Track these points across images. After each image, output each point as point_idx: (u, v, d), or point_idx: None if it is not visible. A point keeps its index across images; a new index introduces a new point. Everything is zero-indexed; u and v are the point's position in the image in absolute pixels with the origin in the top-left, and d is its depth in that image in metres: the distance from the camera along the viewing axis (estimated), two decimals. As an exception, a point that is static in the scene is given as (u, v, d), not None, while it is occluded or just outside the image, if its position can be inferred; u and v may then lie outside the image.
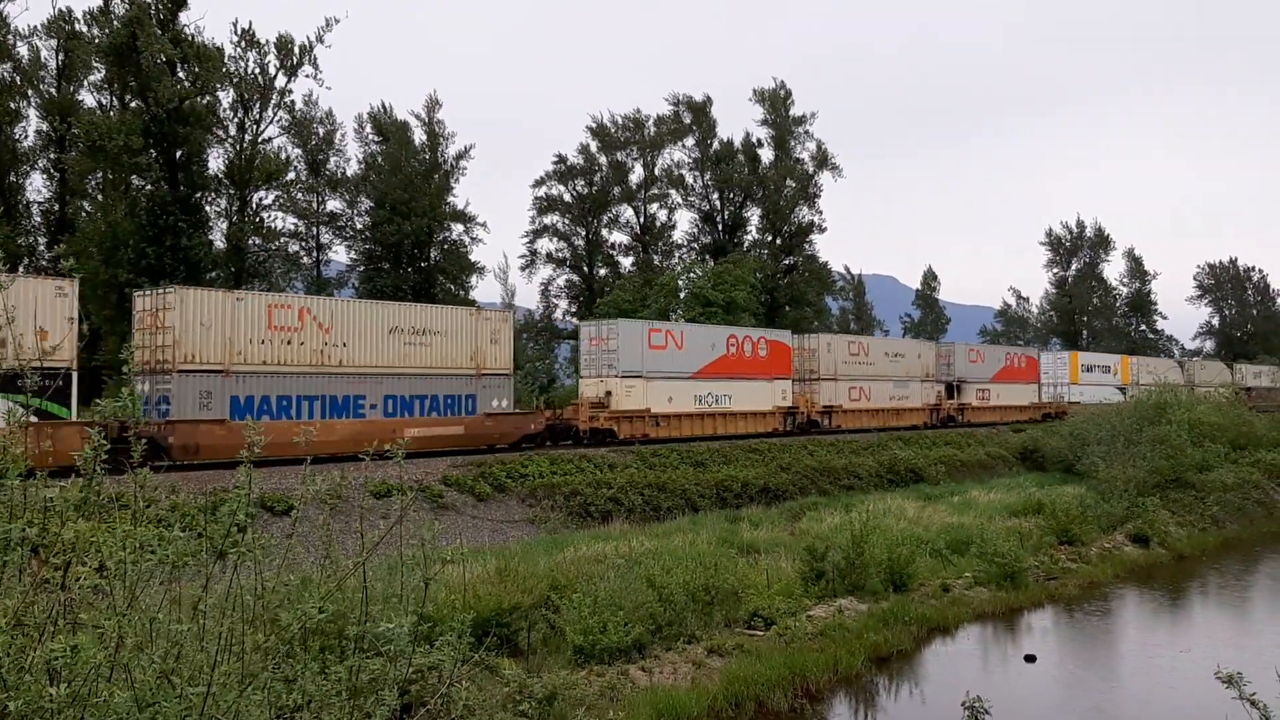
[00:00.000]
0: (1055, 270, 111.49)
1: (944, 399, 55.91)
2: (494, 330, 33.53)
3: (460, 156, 62.02)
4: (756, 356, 43.86)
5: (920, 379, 54.29)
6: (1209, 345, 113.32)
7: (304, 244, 59.31)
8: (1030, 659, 19.01)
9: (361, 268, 60.51)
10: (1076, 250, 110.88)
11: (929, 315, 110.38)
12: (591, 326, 40.47)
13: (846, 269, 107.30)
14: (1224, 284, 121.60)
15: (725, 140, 75.37)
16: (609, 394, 38.15)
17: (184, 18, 46.42)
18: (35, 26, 50.17)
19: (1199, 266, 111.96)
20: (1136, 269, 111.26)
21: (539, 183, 72.36)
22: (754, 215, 76.77)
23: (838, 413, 48.17)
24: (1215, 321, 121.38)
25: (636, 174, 74.83)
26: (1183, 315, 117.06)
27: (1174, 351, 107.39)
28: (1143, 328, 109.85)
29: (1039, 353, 69.56)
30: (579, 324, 42.43)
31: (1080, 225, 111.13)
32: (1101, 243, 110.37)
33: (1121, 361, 73.14)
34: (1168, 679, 18.41)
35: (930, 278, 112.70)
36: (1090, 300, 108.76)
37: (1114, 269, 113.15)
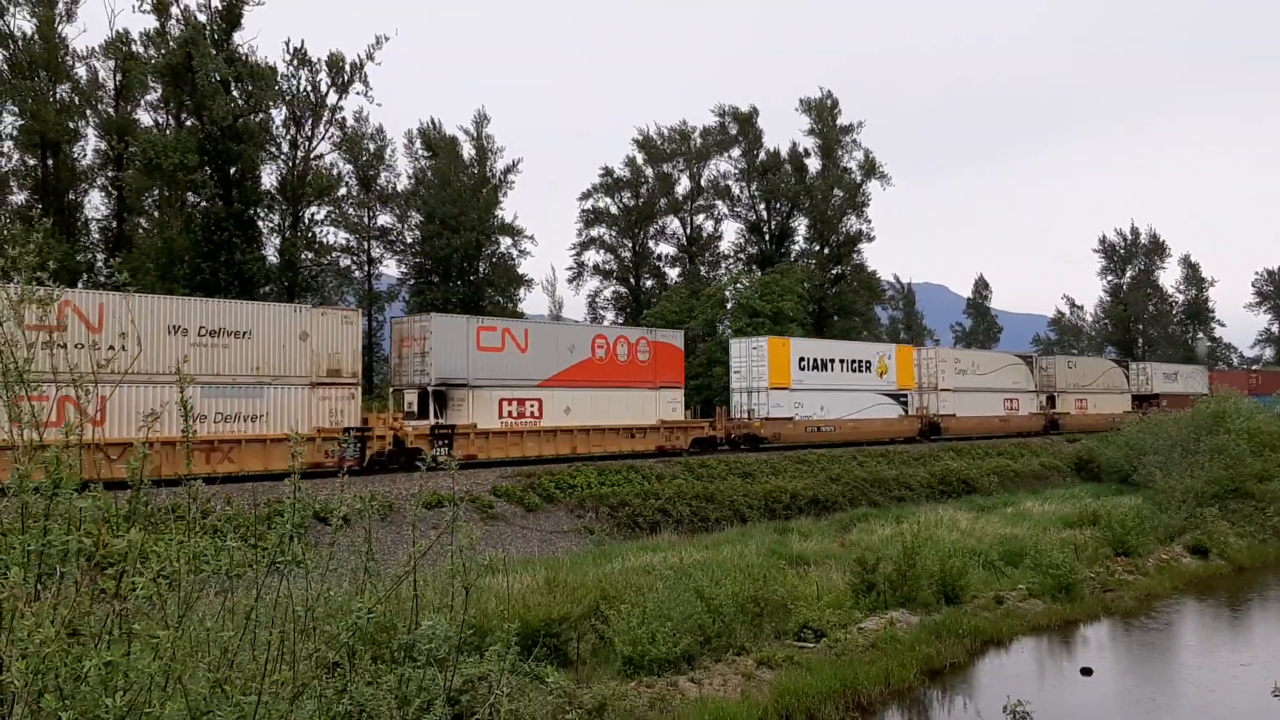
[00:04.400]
0: (1109, 278, 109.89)
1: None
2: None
3: (508, 170, 62.58)
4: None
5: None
6: (1268, 353, 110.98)
7: (355, 258, 60.03)
8: (1087, 672, 18.70)
9: (412, 281, 61.16)
10: (1131, 257, 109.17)
11: (980, 324, 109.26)
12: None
13: (896, 278, 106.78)
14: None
15: (772, 150, 75.41)
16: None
17: (238, 37, 47.28)
18: (93, 48, 51.30)
19: (1257, 273, 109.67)
20: (1193, 276, 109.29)
21: (586, 195, 72.88)
22: (801, 225, 76.67)
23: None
24: (1275, 329, 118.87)
25: (683, 185, 75.11)
26: (1242, 322, 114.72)
27: (1232, 360, 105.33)
28: (1200, 335, 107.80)
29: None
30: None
31: (1135, 232, 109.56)
32: (1157, 249, 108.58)
33: (898, 355, 50.94)
34: (1227, 693, 18.01)
35: (981, 286, 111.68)
36: (1146, 308, 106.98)
37: (1170, 276, 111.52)
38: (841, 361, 46.00)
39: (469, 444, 31.32)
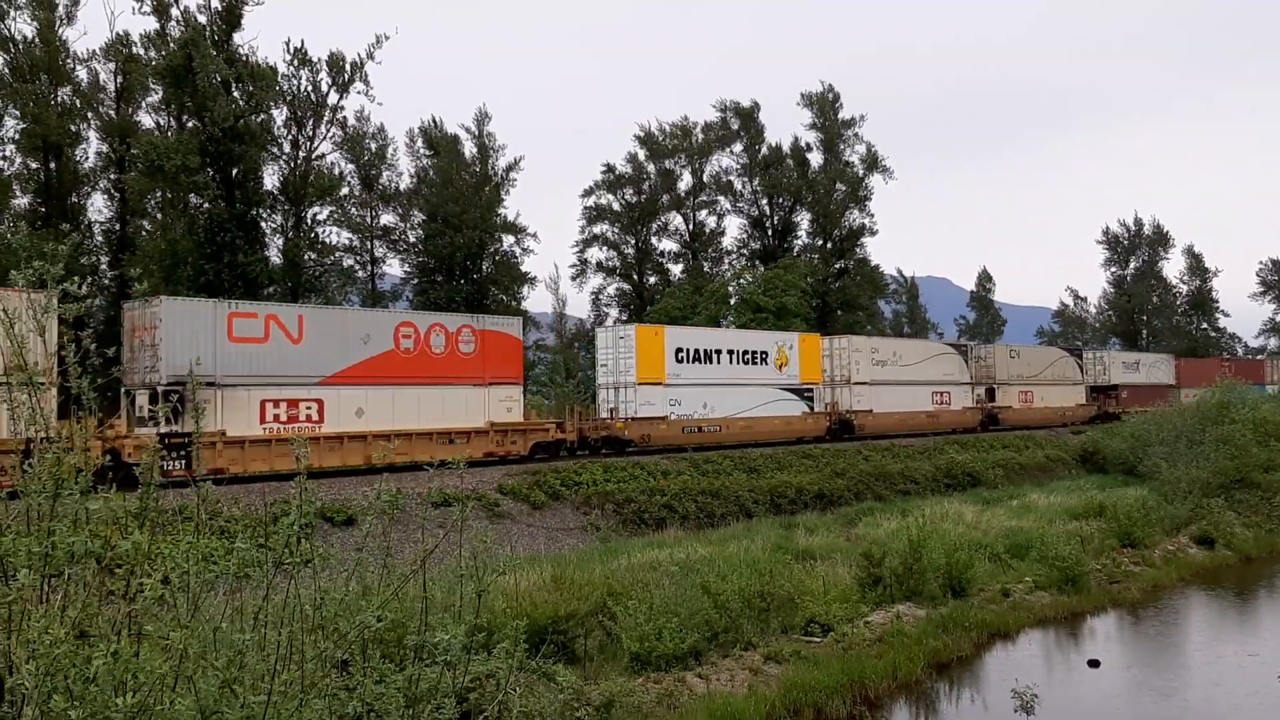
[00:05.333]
0: (1113, 269, 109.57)
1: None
2: None
3: (510, 168, 62.50)
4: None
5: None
6: (1273, 343, 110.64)
7: (358, 258, 60.02)
8: (1094, 664, 18.71)
9: (415, 280, 61.17)
10: (1135, 248, 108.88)
11: (984, 317, 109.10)
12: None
13: (899, 271, 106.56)
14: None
15: (774, 145, 75.22)
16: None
17: (238, 38, 47.25)
18: (94, 51, 51.22)
19: (1262, 263, 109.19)
20: (1196, 266, 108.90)
21: (588, 192, 72.82)
22: (804, 219, 76.52)
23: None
24: (1279, 318, 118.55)
25: (685, 181, 75.02)
26: (1246, 312, 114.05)
27: (1236, 350, 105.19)
28: (1204, 326, 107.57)
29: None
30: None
31: (1138, 223, 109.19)
32: (1160, 240, 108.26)
33: (802, 345, 44.73)
34: (1235, 683, 18.01)
35: (985, 279, 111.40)
36: (1150, 299, 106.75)
37: (1173, 267, 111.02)
38: (731, 353, 40.70)
39: (216, 456, 26.00)
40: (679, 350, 38.63)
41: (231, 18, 46.62)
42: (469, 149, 61.77)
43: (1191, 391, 68.80)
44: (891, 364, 48.42)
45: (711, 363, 39.77)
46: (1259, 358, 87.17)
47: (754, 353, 41.76)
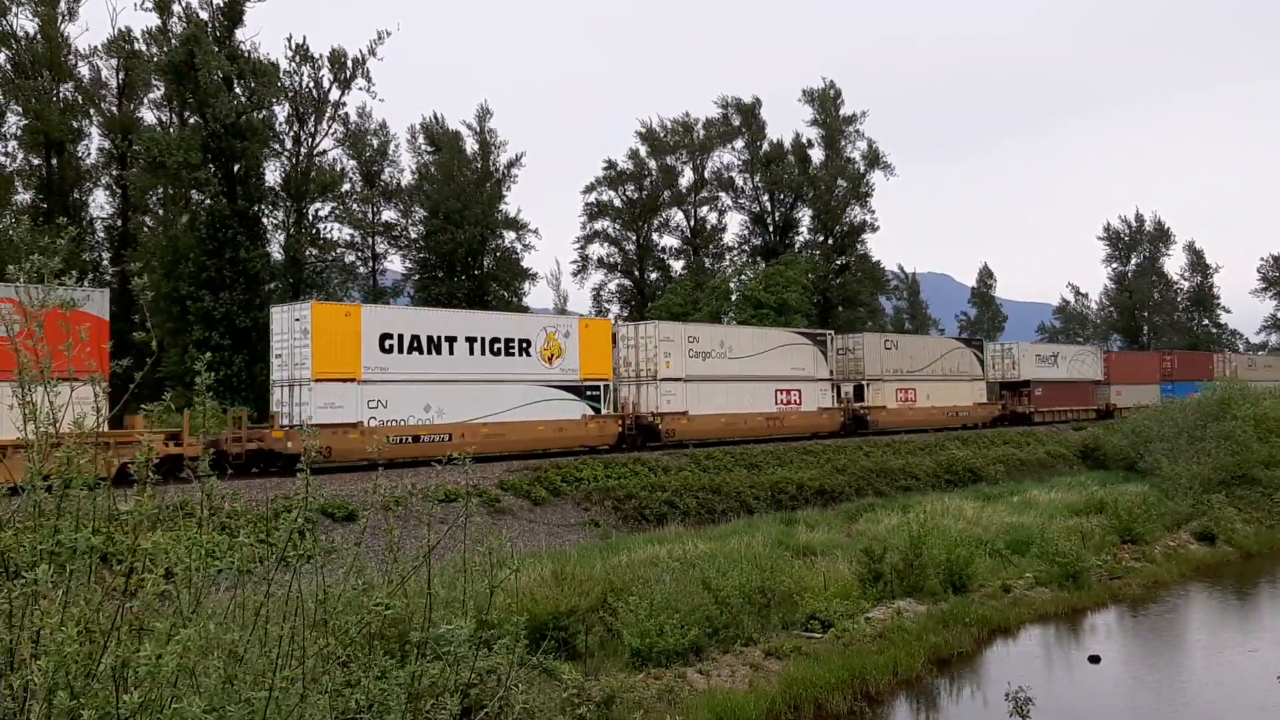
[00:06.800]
0: (1114, 265, 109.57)
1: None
2: None
3: (511, 165, 62.55)
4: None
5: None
6: (1274, 339, 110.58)
7: (360, 254, 60.07)
8: (1094, 659, 18.72)
9: (416, 276, 61.21)
10: (1136, 244, 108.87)
11: (985, 313, 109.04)
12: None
13: (900, 268, 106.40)
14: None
15: (775, 142, 75.22)
16: None
17: (240, 34, 47.27)
18: (96, 47, 51.33)
19: (1263, 259, 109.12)
20: (1198, 262, 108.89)
21: (589, 188, 72.83)
22: (805, 216, 76.52)
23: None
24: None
25: (686, 177, 75.01)
26: (1248, 309, 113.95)
27: (1238, 346, 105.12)
28: (1205, 322, 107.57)
29: None
30: None
31: (1139, 219, 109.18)
32: (1161, 236, 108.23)
33: (583, 332, 35.75)
34: (1235, 679, 18.03)
35: (986, 275, 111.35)
36: (1151, 295, 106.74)
37: (1175, 263, 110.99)
38: (472, 340, 32.04)
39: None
40: (385, 337, 29.84)
41: (233, 14, 46.62)
42: (470, 145, 61.88)
43: (1123, 389, 64.68)
44: (717, 356, 40.04)
45: (440, 353, 31.08)
46: (1211, 351, 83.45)
47: (508, 341, 33.11)
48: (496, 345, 32.77)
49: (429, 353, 30.92)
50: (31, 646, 5.00)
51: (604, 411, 35.76)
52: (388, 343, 29.90)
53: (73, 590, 5.33)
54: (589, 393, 35.39)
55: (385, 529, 7.64)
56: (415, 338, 30.68)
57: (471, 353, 31.99)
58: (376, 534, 16.20)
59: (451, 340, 31.55)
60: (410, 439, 29.43)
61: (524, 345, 33.56)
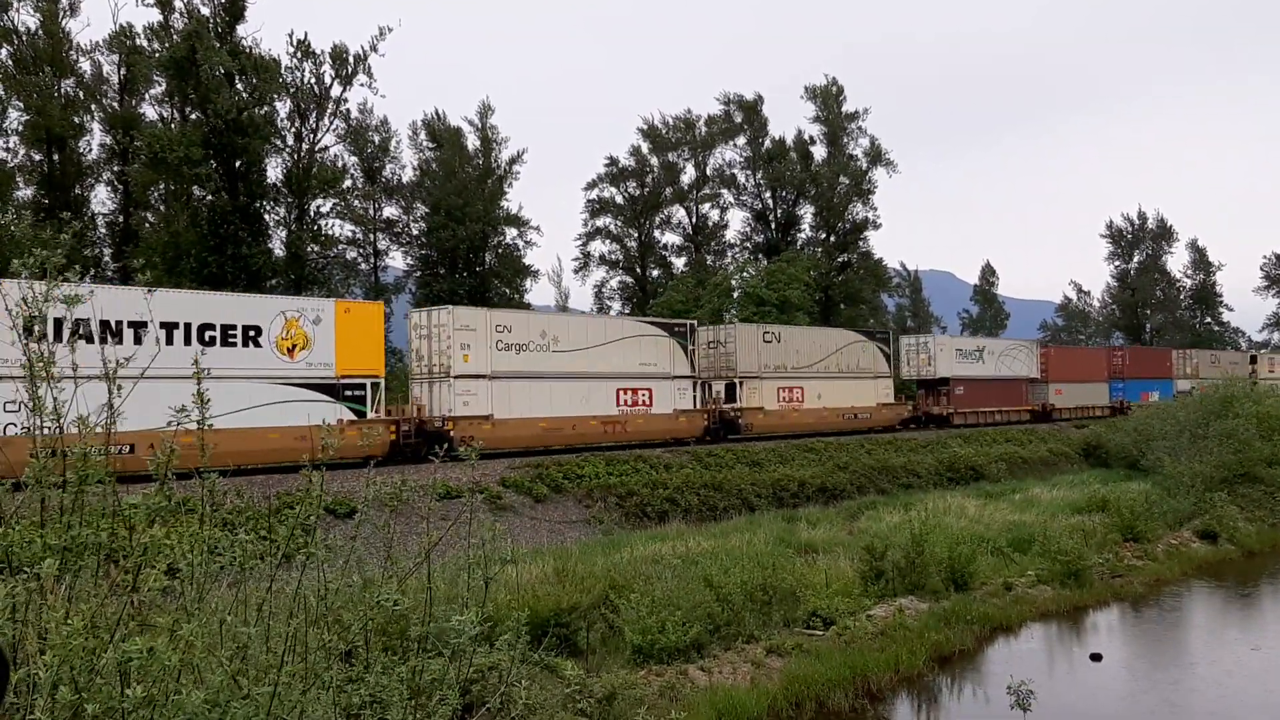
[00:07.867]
0: (1117, 263, 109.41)
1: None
2: None
3: (513, 161, 62.44)
4: None
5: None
6: (1276, 337, 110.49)
7: (361, 250, 60.02)
8: (1096, 657, 18.72)
9: (418, 273, 61.17)
10: (1138, 242, 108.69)
11: (988, 311, 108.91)
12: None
13: (903, 265, 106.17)
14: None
15: (777, 138, 75.05)
16: None
17: (241, 30, 47.21)
18: (97, 42, 51.24)
19: (1266, 257, 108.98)
20: (1200, 260, 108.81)
21: (591, 185, 72.80)
22: (807, 213, 76.40)
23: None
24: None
25: (688, 174, 74.93)
26: (1251, 307, 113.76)
27: (1240, 344, 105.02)
28: (1208, 320, 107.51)
29: None
30: None
31: (1142, 217, 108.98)
32: (1164, 234, 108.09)
33: (340, 319, 29.63)
34: (1238, 677, 18.03)
35: (989, 273, 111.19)
36: (1153, 293, 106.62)
37: (1177, 261, 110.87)
38: (174, 326, 25.95)
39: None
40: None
41: (234, 10, 46.56)
42: (472, 142, 61.78)
43: (1064, 387, 58.81)
44: (537, 349, 33.82)
45: (123, 342, 23.52)
46: (1171, 349, 76.49)
47: (227, 328, 27.17)
48: (209, 330, 26.70)
49: (103, 342, 19.68)
50: (39, 642, 4.99)
51: (370, 415, 29.57)
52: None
53: (78, 586, 5.33)
54: (349, 393, 29.43)
55: (383, 526, 7.63)
56: (81, 323, 20.15)
57: (174, 342, 25.64)
58: (375, 530, 16.19)
59: (138, 325, 24.38)
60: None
61: (251, 334, 27.63)
